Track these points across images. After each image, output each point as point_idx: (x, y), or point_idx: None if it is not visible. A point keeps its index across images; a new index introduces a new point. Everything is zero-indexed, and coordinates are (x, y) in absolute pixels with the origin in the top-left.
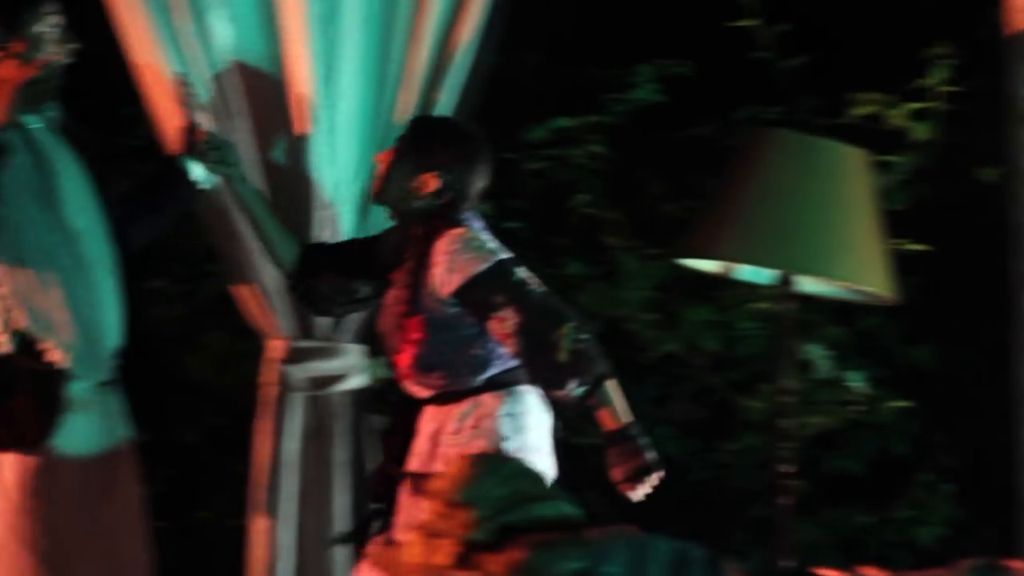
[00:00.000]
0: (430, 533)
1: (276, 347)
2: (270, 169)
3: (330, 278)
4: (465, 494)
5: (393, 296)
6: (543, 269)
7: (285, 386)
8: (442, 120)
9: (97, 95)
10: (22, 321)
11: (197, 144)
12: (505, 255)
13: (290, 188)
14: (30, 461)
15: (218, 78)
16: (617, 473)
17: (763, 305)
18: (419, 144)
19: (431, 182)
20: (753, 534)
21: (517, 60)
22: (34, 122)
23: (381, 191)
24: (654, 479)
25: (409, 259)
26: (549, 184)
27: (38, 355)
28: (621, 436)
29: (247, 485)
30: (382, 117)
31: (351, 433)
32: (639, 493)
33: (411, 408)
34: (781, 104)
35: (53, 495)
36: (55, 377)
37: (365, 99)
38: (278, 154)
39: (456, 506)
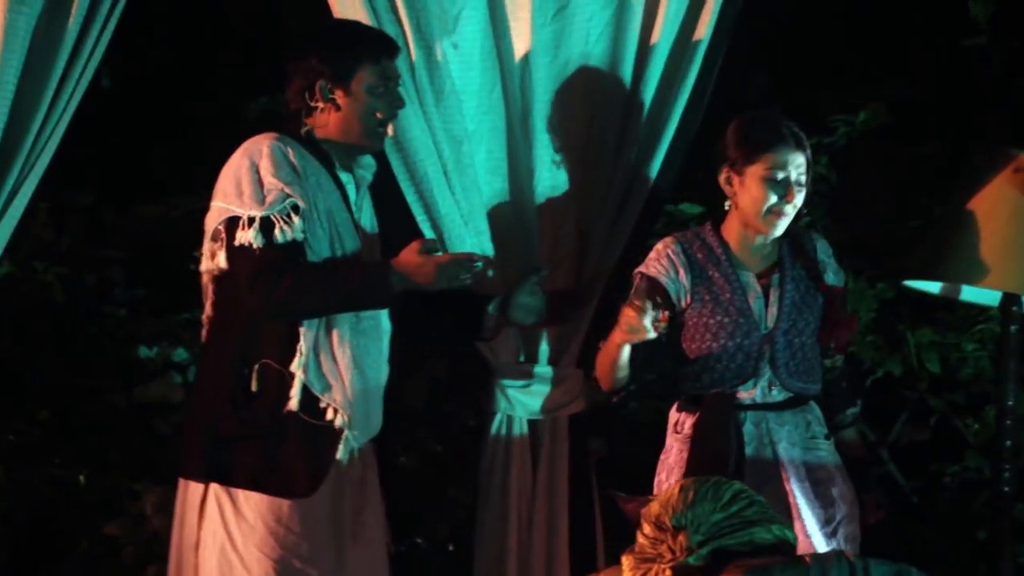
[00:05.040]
0: (642, 558)
1: (500, 372)
2: None
3: None
4: (680, 518)
5: None
6: None
7: (509, 411)
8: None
9: None
10: (309, 377)
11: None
12: None
13: None
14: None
15: None
16: None
17: (987, 326)
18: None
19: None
20: (974, 557)
21: (742, 81)
22: (366, 170)
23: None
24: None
25: None
26: None
27: (317, 412)
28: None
29: (464, 510)
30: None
31: (569, 457)
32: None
33: None
34: (1013, 123)
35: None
36: (327, 435)
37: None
38: None
39: (669, 530)
